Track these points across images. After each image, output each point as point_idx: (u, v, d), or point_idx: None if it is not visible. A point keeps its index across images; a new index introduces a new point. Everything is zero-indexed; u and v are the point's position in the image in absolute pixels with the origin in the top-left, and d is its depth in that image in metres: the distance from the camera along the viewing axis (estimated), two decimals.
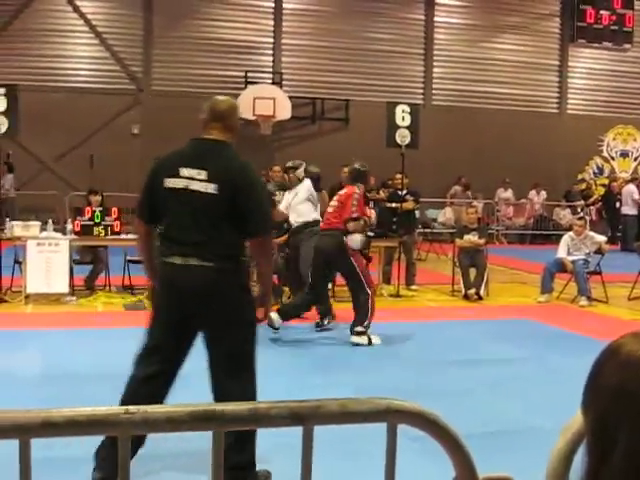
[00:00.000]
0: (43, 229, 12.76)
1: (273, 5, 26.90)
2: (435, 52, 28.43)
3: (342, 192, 10.59)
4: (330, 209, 10.50)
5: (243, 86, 25.25)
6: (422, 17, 28.30)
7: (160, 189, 4.96)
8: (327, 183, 16.78)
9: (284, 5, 26.98)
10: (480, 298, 13.70)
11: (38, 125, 21.86)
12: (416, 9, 28.26)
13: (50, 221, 13.00)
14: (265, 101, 23.95)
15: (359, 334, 9.98)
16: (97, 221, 12.59)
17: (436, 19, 28.38)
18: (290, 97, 25.08)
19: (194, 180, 4.87)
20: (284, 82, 26.23)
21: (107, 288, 13.19)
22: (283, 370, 8.42)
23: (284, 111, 24.40)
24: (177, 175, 4.90)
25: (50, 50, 25.42)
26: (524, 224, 27.51)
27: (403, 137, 14.20)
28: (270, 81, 26.10)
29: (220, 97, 5.43)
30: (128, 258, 13.25)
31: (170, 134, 24.42)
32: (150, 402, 4.85)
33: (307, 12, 27.27)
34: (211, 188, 4.84)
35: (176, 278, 4.90)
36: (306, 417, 1.72)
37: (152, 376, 5.09)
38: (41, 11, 25.46)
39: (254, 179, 5.14)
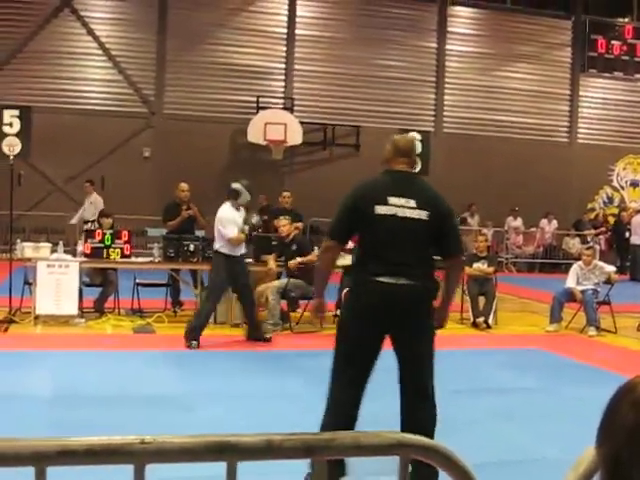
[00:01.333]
0: (54, 250, 12.79)
1: (286, 31, 27.06)
2: (447, 80, 28.52)
3: None
4: None
5: (255, 111, 25.35)
6: (434, 45, 28.42)
7: (367, 215, 5.47)
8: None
9: (297, 31, 27.13)
10: (489, 326, 13.67)
11: (50, 146, 22.00)
12: (428, 37, 28.39)
13: (61, 243, 13.05)
14: (276, 126, 24.05)
15: None
16: (108, 244, 12.61)
17: (448, 47, 28.50)
18: (301, 123, 25.18)
19: (404, 208, 5.46)
20: (295, 107, 26.32)
21: (116, 311, 13.20)
22: (289, 393, 8.42)
23: (295, 136, 24.50)
24: (386, 203, 5.45)
25: (64, 72, 25.57)
26: (533, 253, 27.47)
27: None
28: (282, 106, 26.19)
29: (402, 135, 6.22)
30: (137, 281, 13.28)
31: (181, 157, 24.64)
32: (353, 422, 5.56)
33: (319, 38, 27.40)
34: (423, 215, 5.47)
35: (386, 295, 5.40)
36: (319, 450, 1.73)
37: (358, 396, 5.74)
38: (56, 33, 25.64)
39: (450, 207, 5.81)
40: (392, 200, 5.46)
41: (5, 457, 1.54)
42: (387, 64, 27.82)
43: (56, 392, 8.33)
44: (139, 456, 1.60)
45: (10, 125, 12.72)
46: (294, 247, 12.79)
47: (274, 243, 13.35)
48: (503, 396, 8.96)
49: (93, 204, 19.13)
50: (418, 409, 5.74)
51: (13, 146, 12.65)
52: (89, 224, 17.80)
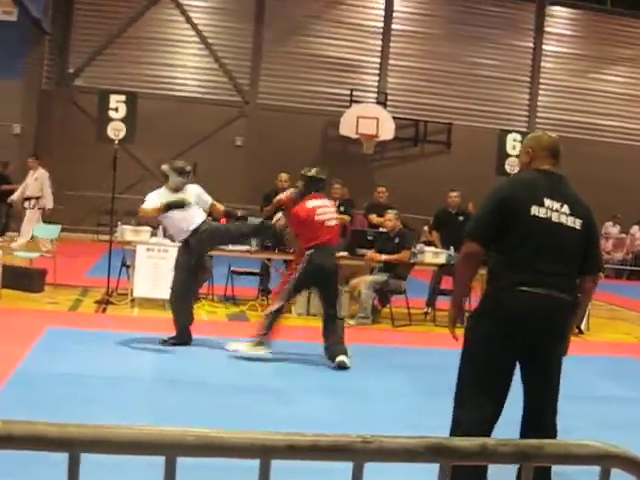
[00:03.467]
0: (153, 234, 12.97)
1: (382, 25, 27.08)
2: (541, 80, 28.24)
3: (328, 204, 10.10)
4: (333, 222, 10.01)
5: (348, 104, 25.44)
6: (530, 45, 28.16)
7: (520, 215, 4.87)
8: (430, 206, 16.78)
9: (393, 26, 27.14)
10: (581, 332, 13.49)
11: (145, 132, 22.30)
12: (525, 36, 28.14)
13: (161, 227, 13.22)
14: (369, 120, 24.09)
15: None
16: None
17: (545, 47, 28.21)
18: (394, 118, 25.20)
19: (558, 212, 4.91)
20: (388, 102, 26.34)
21: (210, 297, 13.34)
22: (389, 392, 8.43)
23: (387, 131, 24.51)
24: (542, 204, 4.88)
25: (161, 59, 25.98)
26: (622, 259, 27.05)
27: (512, 166, 14.08)
28: (374, 101, 26.23)
29: (545, 132, 5.47)
30: (232, 269, 13.41)
31: (273, 147, 24.80)
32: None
33: (415, 34, 27.37)
34: (577, 223, 4.95)
35: (536, 308, 4.84)
36: (531, 456, 1.75)
37: (496, 416, 5.15)
38: (154, 20, 26.05)
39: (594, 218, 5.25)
40: (547, 202, 4.90)
41: (234, 449, 1.59)
42: (482, 62, 27.67)
43: (155, 375, 8.47)
44: (361, 454, 1.64)
45: (116, 110, 12.93)
46: (396, 240, 12.76)
47: (370, 237, 13.35)
48: (601, 404, 8.84)
49: (38, 180, 18.00)
50: (551, 436, 5.07)
51: (118, 131, 12.86)
52: (32, 201, 17.63)
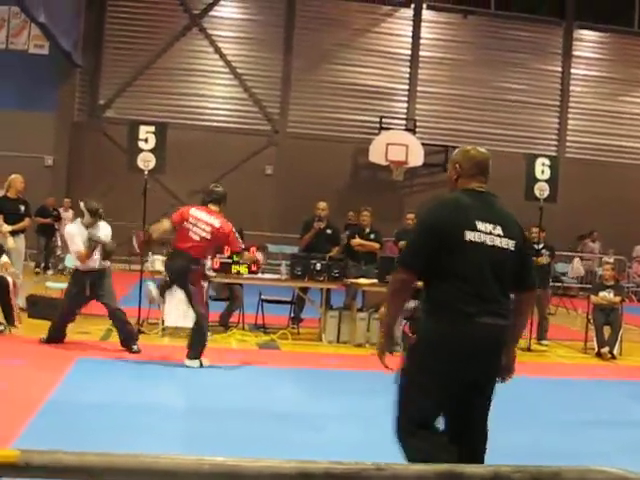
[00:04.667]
0: None
1: (410, 53, 27.17)
2: (570, 104, 28.17)
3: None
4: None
5: (377, 131, 25.52)
6: (559, 69, 28.13)
7: (455, 241, 4.64)
8: None
9: (420, 53, 27.21)
10: (614, 357, 13.39)
11: (175, 161, 22.46)
12: (553, 61, 28.11)
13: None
14: (398, 147, 24.14)
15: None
16: (236, 259, 12.77)
17: (573, 71, 28.16)
18: (423, 144, 25.24)
19: (492, 235, 4.71)
20: (417, 129, 26.37)
21: (241, 325, 13.37)
22: None
23: (416, 158, 24.55)
24: (475, 228, 4.67)
25: (190, 89, 26.21)
26: None
27: (542, 190, 14.02)
28: (403, 127, 26.27)
29: (473, 147, 5.17)
30: (263, 297, 13.44)
31: (302, 176, 24.90)
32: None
33: (443, 60, 27.43)
34: (510, 244, 4.75)
35: (483, 339, 4.65)
36: None
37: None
38: (184, 51, 26.29)
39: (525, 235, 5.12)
40: (480, 225, 4.67)
41: (247, 476, 1.60)
42: (510, 87, 27.66)
43: (187, 404, 8.48)
44: None
45: (145, 141, 13.03)
46: None
47: None
48: (633, 430, 8.74)
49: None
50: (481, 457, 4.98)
51: (148, 161, 12.96)
52: None
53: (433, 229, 4.68)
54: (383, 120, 26.09)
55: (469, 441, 4.91)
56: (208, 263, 13.07)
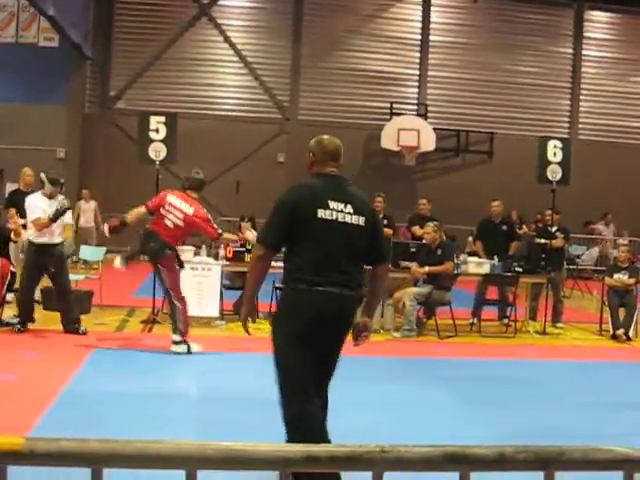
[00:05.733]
0: (196, 253, 13.06)
1: (420, 37, 27.08)
2: (582, 86, 28.02)
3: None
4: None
5: (388, 117, 25.46)
6: (570, 51, 27.98)
7: (308, 219, 5.10)
8: (472, 216, 16.73)
9: (430, 37, 27.12)
10: (629, 339, 13.35)
11: (187, 151, 22.49)
12: (564, 42, 27.97)
13: (204, 246, 13.34)
14: (409, 132, 24.09)
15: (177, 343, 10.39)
16: (248, 248, 12.77)
17: (584, 52, 28.00)
18: (434, 129, 25.19)
19: (343, 213, 5.16)
20: (429, 114, 26.30)
21: (255, 314, 13.35)
22: (433, 404, 8.41)
23: (428, 143, 24.50)
24: (327, 207, 5.12)
25: (201, 79, 26.20)
26: None
27: (554, 173, 13.96)
28: (415, 113, 26.20)
29: (328, 136, 5.57)
30: (276, 285, 13.43)
31: None
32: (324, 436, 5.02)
33: (453, 45, 27.32)
34: (361, 221, 5.21)
35: (330, 307, 5.10)
36: (550, 462, 1.75)
37: (321, 407, 5.39)
38: (193, 41, 26.28)
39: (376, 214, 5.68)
40: (332, 204, 5.16)
41: (253, 461, 1.61)
42: (521, 70, 27.54)
43: (201, 392, 8.51)
44: (379, 464, 1.65)
45: (156, 131, 13.04)
46: (439, 252, 12.73)
47: (412, 250, 13.33)
48: None
49: (93, 211, 17.97)
50: (324, 419, 5.47)
51: (159, 152, 12.98)
52: None
53: (287, 208, 5.15)
54: (394, 106, 26.01)
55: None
56: (221, 252, 13.13)
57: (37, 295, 12.71)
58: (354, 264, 5.23)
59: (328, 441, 5.13)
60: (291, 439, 5.09)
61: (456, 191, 24.64)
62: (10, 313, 11.98)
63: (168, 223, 10.34)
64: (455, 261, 13.17)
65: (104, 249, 14.81)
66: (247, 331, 5.49)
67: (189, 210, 10.43)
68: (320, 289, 5.05)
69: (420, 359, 11.02)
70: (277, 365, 5.22)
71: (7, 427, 6.48)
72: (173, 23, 26.20)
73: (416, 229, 14.32)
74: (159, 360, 10.01)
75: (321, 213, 5.10)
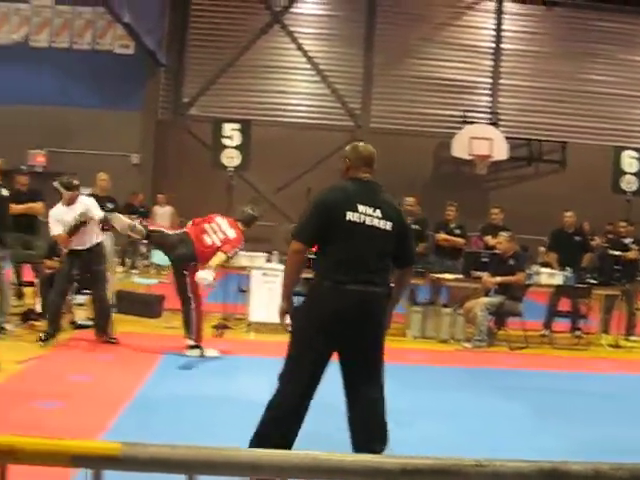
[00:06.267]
0: (268, 260, 13.14)
1: (493, 45, 26.89)
2: None
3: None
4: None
5: (460, 125, 25.31)
6: None
7: (337, 220, 5.45)
8: (545, 226, 16.53)
9: (503, 45, 26.92)
10: None
11: (259, 158, 22.68)
12: (639, 51, 27.54)
13: (276, 252, 13.40)
14: (482, 141, 23.93)
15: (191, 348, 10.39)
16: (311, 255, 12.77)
17: None
18: (507, 138, 24.98)
19: (371, 217, 5.51)
20: (501, 122, 26.10)
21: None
22: (503, 415, 8.34)
23: (500, 151, 24.32)
24: (356, 210, 5.47)
25: (273, 86, 26.36)
26: None
27: (629, 183, 13.76)
28: (487, 121, 26.02)
29: (363, 144, 5.99)
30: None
31: (385, 171, 24.74)
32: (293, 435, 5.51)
33: (526, 53, 27.07)
34: (388, 225, 5.55)
35: (352, 303, 5.39)
36: None
37: (305, 407, 5.62)
38: (266, 48, 26.45)
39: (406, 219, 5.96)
40: (361, 208, 5.50)
41: (349, 472, 1.61)
42: (595, 79, 27.18)
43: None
44: (474, 478, 1.64)
45: (230, 138, 13.16)
46: (511, 262, 12.62)
47: (484, 259, 13.23)
48: None
49: (169, 216, 16.87)
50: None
51: (232, 158, 13.08)
52: None
53: (322, 209, 5.51)
54: (466, 114, 25.89)
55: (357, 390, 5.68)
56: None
57: (111, 298, 12.89)
58: (380, 265, 5.55)
59: (289, 441, 5.50)
60: (262, 419, 5.61)
61: (528, 200, 24.41)
62: (83, 315, 12.17)
63: (207, 239, 10.42)
64: (527, 272, 13.05)
65: None
66: (285, 327, 5.66)
67: (231, 234, 10.55)
68: (344, 287, 5.37)
69: (490, 369, 10.93)
70: (288, 355, 5.59)
71: (82, 428, 6.60)
72: (246, 30, 26.39)
73: (488, 239, 14.21)
74: (229, 364, 10.07)
75: (350, 215, 5.44)
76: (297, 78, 26.67)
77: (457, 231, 14.25)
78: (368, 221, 5.47)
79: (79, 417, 7.21)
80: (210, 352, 10.50)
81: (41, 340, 10.56)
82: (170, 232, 10.93)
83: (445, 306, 13.11)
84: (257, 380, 9.39)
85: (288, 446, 5.47)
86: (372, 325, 5.53)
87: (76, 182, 11.03)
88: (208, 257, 10.31)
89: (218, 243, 10.38)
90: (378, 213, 5.52)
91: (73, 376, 8.93)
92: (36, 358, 9.71)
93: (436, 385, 9.50)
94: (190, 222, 10.91)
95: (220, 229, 10.53)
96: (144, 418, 7.27)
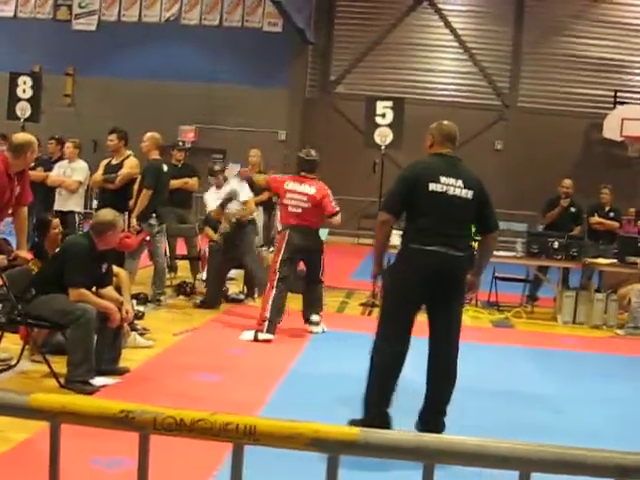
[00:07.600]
0: None
1: None
2: None
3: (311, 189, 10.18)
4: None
5: (611, 106, 24.65)
6: None
7: (422, 191, 5.99)
8: None
9: None
10: None
11: (407, 137, 22.62)
12: None
13: None
14: (635, 122, 23.18)
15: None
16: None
17: None
18: None
19: (453, 187, 6.02)
20: None
21: (474, 302, 13.27)
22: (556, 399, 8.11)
23: None
24: (438, 181, 6.00)
25: (420, 64, 26.27)
26: None
27: None
28: None
29: (447, 122, 6.50)
30: (496, 275, 13.31)
31: (533, 151, 24.48)
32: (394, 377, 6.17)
33: None
34: (469, 194, 6.07)
35: (438, 264, 5.94)
36: None
37: (404, 354, 6.17)
38: (413, 25, 26.40)
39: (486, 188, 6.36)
40: (443, 179, 6.01)
41: (590, 467, 1.58)
42: None
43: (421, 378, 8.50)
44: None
45: (382, 116, 13.15)
46: None
47: None
48: None
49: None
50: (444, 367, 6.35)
51: (385, 136, 13.07)
52: None
53: (407, 182, 6.09)
54: (618, 94, 25.16)
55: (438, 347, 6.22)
56: None
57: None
58: (461, 230, 6.15)
59: (393, 385, 6.21)
60: (369, 370, 6.23)
61: None
62: (236, 289, 12.42)
63: (296, 210, 10.13)
64: None
65: (326, 230, 15.06)
66: (375, 288, 6.75)
67: (311, 190, 10.18)
68: (429, 248, 5.92)
69: None
70: (383, 311, 6.32)
71: (242, 403, 6.74)
72: (394, 8, 26.34)
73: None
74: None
75: (432, 186, 5.98)
76: (444, 56, 26.50)
77: (611, 214, 13.91)
78: (450, 191, 6.00)
79: (238, 390, 7.38)
80: (263, 336, 9.77)
81: (197, 305, 11.47)
82: None
83: (598, 291, 12.81)
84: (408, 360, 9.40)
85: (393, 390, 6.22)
86: (452, 284, 6.05)
87: (217, 167, 12.21)
88: (317, 217, 10.30)
89: (306, 205, 10.16)
90: (460, 183, 6.04)
91: (229, 349, 9.12)
92: (191, 330, 9.97)
93: (588, 372, 9.34)
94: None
95: (295, 191, 10.18)
96: (298, 393, 7.39)
